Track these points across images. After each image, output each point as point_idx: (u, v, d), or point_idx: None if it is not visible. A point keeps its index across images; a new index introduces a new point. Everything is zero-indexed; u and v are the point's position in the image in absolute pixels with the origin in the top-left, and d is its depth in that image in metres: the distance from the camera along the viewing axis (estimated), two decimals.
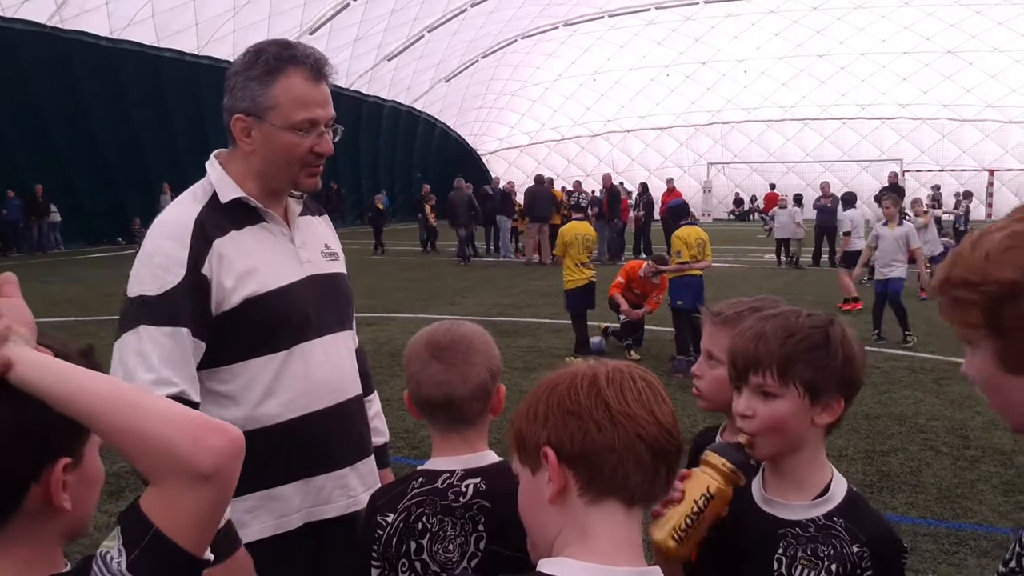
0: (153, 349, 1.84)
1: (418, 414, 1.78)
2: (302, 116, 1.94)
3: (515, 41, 41.23)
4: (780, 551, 1.52)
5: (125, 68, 23.65)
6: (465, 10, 34.76)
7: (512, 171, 43.54)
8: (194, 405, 1.86)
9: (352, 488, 2.12)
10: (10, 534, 1.01)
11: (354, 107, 34.89)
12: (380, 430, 2.38)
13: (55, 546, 1.08)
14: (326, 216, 2.30)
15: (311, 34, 30.17)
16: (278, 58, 1.94)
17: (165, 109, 25.24)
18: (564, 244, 9.71)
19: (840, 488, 1.55)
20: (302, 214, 2.15)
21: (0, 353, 0.98)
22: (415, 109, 39.81)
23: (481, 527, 1.68)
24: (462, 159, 41.68)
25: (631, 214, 23.94)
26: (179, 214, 1.96)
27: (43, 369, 0.99)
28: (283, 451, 1.99)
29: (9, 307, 1.05)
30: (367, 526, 1.75)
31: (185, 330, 1.87)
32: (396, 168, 39.58)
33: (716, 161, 42.90)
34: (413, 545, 1.68)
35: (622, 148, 45.66)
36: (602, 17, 39.94)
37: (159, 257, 1.89)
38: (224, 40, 26.60)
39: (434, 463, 1.75)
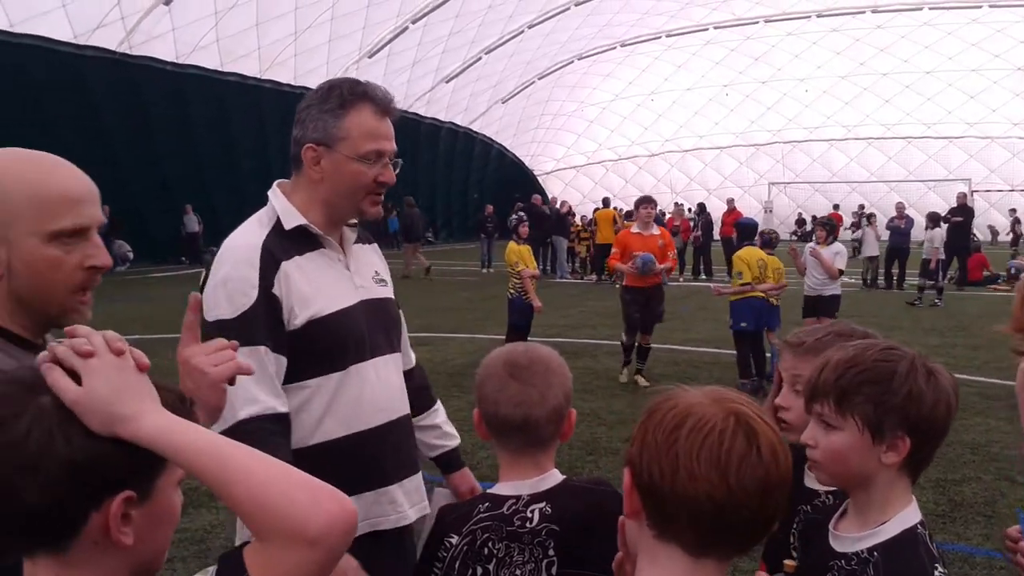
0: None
1: (487, 435, 1.77)
2: (370, 147, 2.07)
3: (572, 62, 41.33)
4: None
5: (190, 92, 24.25)
6: (522, 31, 34.98)
7: (568, 191, 43.58)
8: (282, 416, 2.00)
9: (400, 504, 2.21)
10: (74, 560, 1.01)
11: (412, 129, 35.29)
12: (451, 434, 2.54)
13: None
14: (375, 244, 2.42)
15: (370, 57, 30.67)
16: (352, 93, 2.08)
17: (228, 132, 25.77)
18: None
19: (898, 525, 1.46)
20: (355, 243, 2.27)
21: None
22: (472, 130, 40.10)
23: (552, 552, 1.67)
24: (518, 180, 41.80)
25: (691, 235, 23.73)
26: (247, 239, 2.07)
27: (159, 428, 1.03)
28: (338, 467, 2.00)
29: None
30: (433, 539, 1.75)
31: (263, 348, 1.98)
32: (453, 189, 39.85)
33: (777, 181, 42.32)
34: (479, 570, 1.68)
35: (681, 168, 45.36)
36: (660, 37, 39.84)
37: (232, 282, 2.00)
38: (286, 64, 27.16)
39: (500, 488, 1.74)
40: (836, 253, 9.46)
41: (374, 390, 2.16)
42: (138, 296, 17.05)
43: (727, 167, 44.39)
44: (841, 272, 9.38)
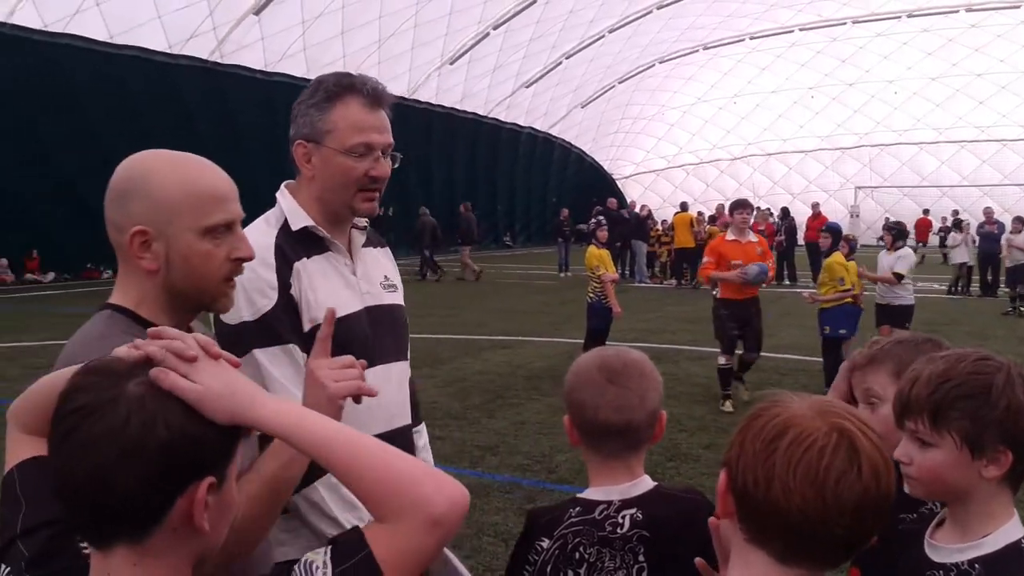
0: (270, 370, 1.92)
1: (578, 441, 1.76)
2: (357, 140, 2.00)
3: (653, 65, 40.98)
4: None
5: (278, 100, 24.89)
6: (603, 36, 34.85)
7: (648, 195, 43.14)
8: None
9: None
10: (152, 548, 1.03)
11: (492, 135, 35.53)
12: (428, 461, 2.40)
13: (188, 569, 1.09)
14: (387, 248, 2.37)
15: (451, 64, 30.99)
16: (337, 85, 2.02)
17: None
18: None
19: (1002, 539, 1.41)
20: (365, 246, 2.21)
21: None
22: (551, 135, 40.14)
23: (642, 558, 1.67)
24: (597, 184, 41.64)
25: (774, 239, 23.26)
26: (259, 239, 1.97)
27: (281, 413, 1.12)
28: None
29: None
30: (524, 542, 1.74)
31: (292, 346, 1.96)
32: (532, 194, 39.93)
33: (864, 185, 41.15)
34: (570, 574, 1.67)
35: (764, 172, 44.51)
36: (743, 40, 39.19)
37: (249, 283, 1.93)
38: (370, 71, 27.21)
39: (592, 493, 1.74)
40: (899, 257, 9.05)
41: (379, 397, 2.06)
42: None
43: (812, 171, 43.36)
44: (900, 277, 8.87)
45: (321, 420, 1.16)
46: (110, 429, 0.98)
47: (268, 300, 1.95)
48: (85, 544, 1.13)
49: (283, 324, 1.96)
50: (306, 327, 1.98)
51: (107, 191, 1.49)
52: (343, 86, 2.02)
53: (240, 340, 1.92)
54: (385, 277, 2.25)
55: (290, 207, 2.08)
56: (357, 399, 1.52)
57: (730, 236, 8.55)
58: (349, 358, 1.54)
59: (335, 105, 2.01)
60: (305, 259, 2.03)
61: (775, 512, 1.07)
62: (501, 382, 9.10)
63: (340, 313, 2.01)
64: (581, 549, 1.67)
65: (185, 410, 1.04)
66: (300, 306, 1.99)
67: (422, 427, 2.42)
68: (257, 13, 23.03)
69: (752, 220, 8.19)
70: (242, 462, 1.40)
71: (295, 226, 2.05)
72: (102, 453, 0.97)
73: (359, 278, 2.14)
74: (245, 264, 1.96)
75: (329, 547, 1.09)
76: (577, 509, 1.71)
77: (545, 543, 1.69)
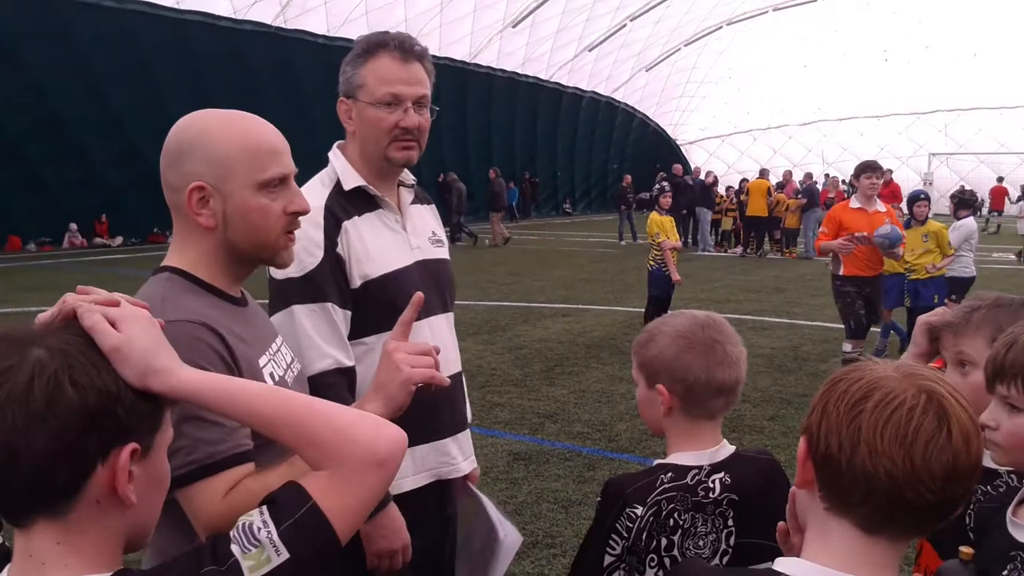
0: (304, 324, 2.06)
1: (673, 406, 1.73)
2: (385, 91, 2.12)
3: (720, 28, 40.02)
4: (1005, 574, 1.39)
5: (339, 64, 24.96)
6: None
7: (712, 161, 42.38)
8: (348, 370, 2.10)
9: (453, 456, 2.33)
10: (75, 522, 0.97)
11: (553, 99, 35.14)
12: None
13: (118, 547, 1.02)
14: (433, 206, 2.50)
15: (513, 27, 30.67)
16: (368, 43, 2.17)
17: None
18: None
19: None
20: (412, 203, 2.34)
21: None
22: (614, 99, 39.57)
23: (731, 522, 1.69)
24: (660, 149, 41.05)
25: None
26: (310, 199, 2.08)
27: (201, 378, 1.09)
28: (397, 419, 2.08)
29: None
30: (611, 513, 1.69)
31: (330, 304, 2.08)
32: (593, 159, 39.53)
33: (939, 152, 39.77)
34: (664, 541, 1.67)
35: (833, 137, 43.31)
36: (815, 0, 37.99)
37: (298, 242, 2.00)
38: (431, 35, 27.48)
39: (679, 457, 1.73)
40: (954, 228, 8.69)
41: None
42: None
43: (884, 137, 42.02)
44: (951, 250, 8.40)
45: (243, 381, 1.15)
46: (11, 396, 0.92)
47: (314, 259, 2.07)
48: None
49: (326, 282, 2.08)
50: (355, 283, 2.13)
51: (162, 154, 1.50)
52: (374, 43, 2.16)
53: (283, 295, 2.07)
54: (433, 233, 2.37)
55: (342, 167, 2.21)
56: (428, 388, 1.57)
57: (854, 204, 7.37)
58: (426, 345, 1.60)
59: (367, 61, 2.15)
60: (356, 217, 2.16)
61: (860, 477, 1.03)
62: (561, 350, 9.03)
63: (390, 268, 2.17)
64: (675, 515, 1.66)
65: (98, 368, 0.98)
66: (348, 264, 2.12)
67: None
68: None
69: (880, 185, 7.29)
70: (269, 457, 1.38)
71: (347, 186, 2.18)
72: (7, 421, 0.91)
73: (408, 233, 2.26)
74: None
75: (264, 506, 1.03)
76: (669, 475, 1.69)
77: (639, 510, 1.66)
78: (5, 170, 18.99)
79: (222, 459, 1.36)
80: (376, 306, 2.14)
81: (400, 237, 2.24)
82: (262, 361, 1.54)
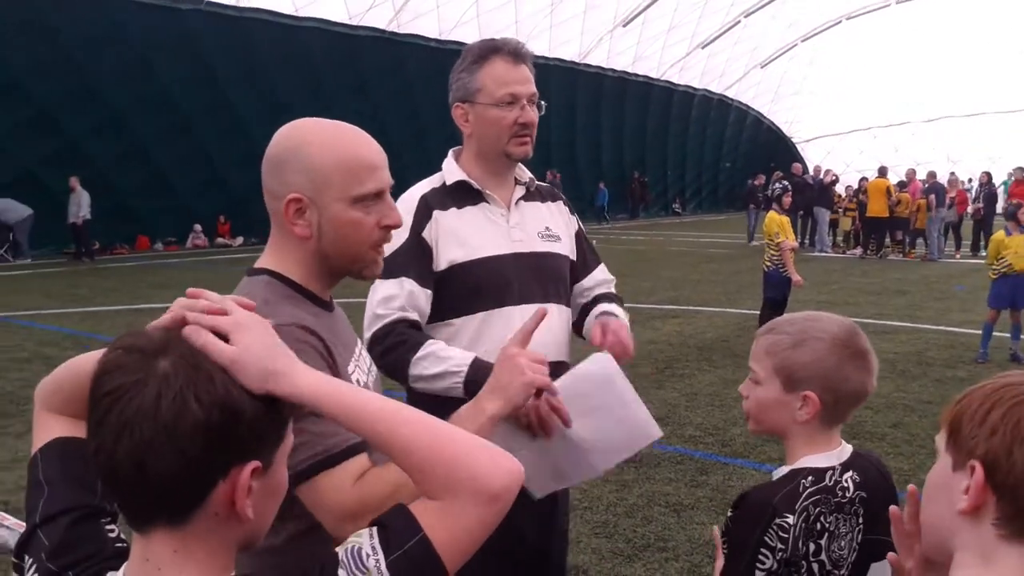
0: (381, 293, 2.22)
1: (818, 411, 1.68)
2: (503, 91, 2.27)
3: (839, 23, 38.67)
4: None
5: (450, 67, 25.31)
6: None
7: (830, 160, 40.90)
8: (414, 324, 2.22)
9: None
10: (192, 531, 0.97)
11: (664, 98, 34.71)
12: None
13: (231, 554, 1.02)
14: (559, 203, 2.56)
15: (624, 26, 30.42)
16: (482, 49, 2.32)
17: None
18: None
19: None
20: (530, 200, 2.45)
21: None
22: (727, 97, 38.74)
23: (861, 520, 1.69)
24: (776, 148, 39.96)
25: (969, 207, 21.56)
26: (411, 193, 2.37)
27: (319, 383, 1.07)
28: None
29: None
30: (759, 527, 1.62)
31: (404, 278, 2.23)
32: (704, 158, 38.81)
33: None
34: (812, 547, 1.64)
35: (960, 135, 41.22)
36: None
37: None
38: (541, 36, 27.56)
39: (814, 460, 1.70)
40: None
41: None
42: None
43: (1016, 134, 39.72)
44: None
45: (364, 392, 1.11)
46: (141, 410, 0.93)
47: (399, 240, 2.21)
48: (112, 528, 1.11)
49: (405, 261, 2.23)
50: (441, 266, 2.28)
51: (264, 160, 1.53)
52: (487, 48, 2.31)
53: None
54: (547, 228, 2.45)
55: (449, 167, 2.39)
56: (539, 394, 1.66)
57: None
58: (540, 355, 1.63)
59: (482, 66, 2.29)
60: (455, 208, 2.32)
61: None
62: (671, 352, 8.88)
63: (480, 254, 2.30)
64: (822, 519, 1.65)
65: (222, 382, 0.97)
66: (435, 248, 2.28)
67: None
68: None
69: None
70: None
71: (449, 181, 2.36)
72: (136, 435, 0.92)
73: (511, 226, 2.37)
74: None
75: (375, 528, 1.00)
76: (809, 479, 1.66)
77: (790, 519, 1.61)
78: (136, 173, 20.06)
79: (341, 450, 1.37)
80: (461, 288, 2.28)
81: (501, 229, 2.35)
82: (350, 368, 1.56)
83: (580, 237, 2.59)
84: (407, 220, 2.18)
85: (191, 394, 0.94)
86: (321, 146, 1.49)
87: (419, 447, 1.04)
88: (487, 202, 2.35)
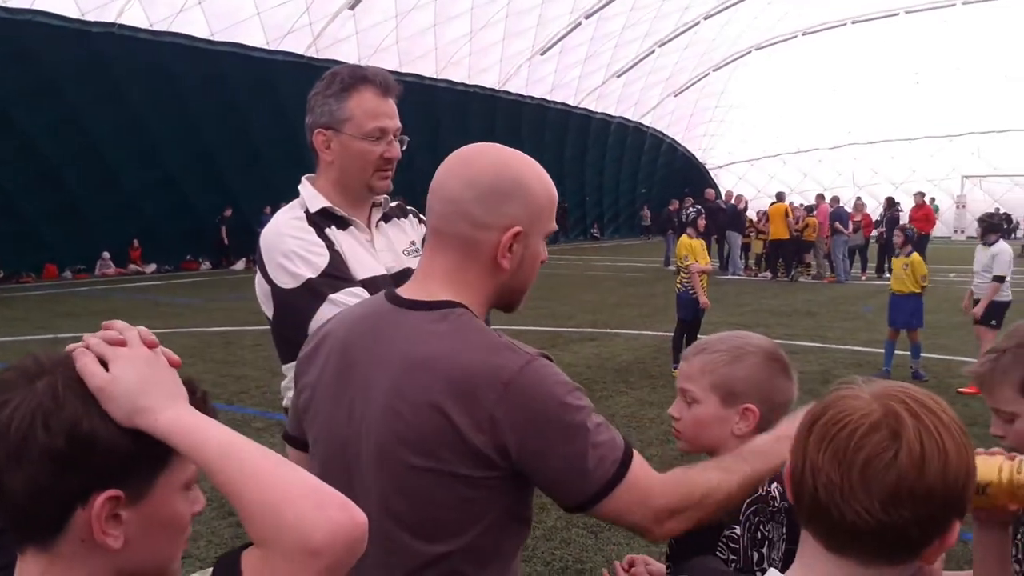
0: (345, 301, 2.02)
1: (760, 423, 1.77)
2: (373, 125, 2.23)
3: (749, 52, 40.03)
4: None
5: None
6: (698, 23, 34.22)
7: (742, 185, 42.18)
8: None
9: None
10: (60, 556, 0.97)
11: (582, 125, 35.27)
12: None
13: None
14: (410, 216, 2.53)
15: (542, 54, 30.89)
16: (352, 77, 2.24)
17: (405, 132, 26.59)
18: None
19: None
20: (389, 220, 2.43)
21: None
22: (642, 124, 39.61)
23: (784, 530, 1.73)
24: (690, 174, 40.94)
25: (873, 231, 22.46)
26: (288, 215, 2.28)
27: (176, 422, 1.00)
28: None
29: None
30: (706, 543, 1.72)
31: (359, 288, 2.12)
32: (621, 184, 39.53)
33: (972, 174, 39.29)
34: (756, 555, 1.70)
35: (864, 161, 42.97)
36: (845, 24, 37.90)
37: (298, 249, 2.16)
38: (461, 63, 27.82)
39: None
40: (993, 256, 8.51)
41: None
42: None
43: (916, 160, 41.62)
44: (1001, 280, 8.36)
45: (219, 433, 1.01)
46: None
47: (323, 257, 2.15)
48: None
49: (343, 272, 2.16)
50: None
51: (469, 185, 1.48)
52: (357, 77, 2.24)
53: (312, 294, 2.11)
54: (411, 243, 2.44)
55: (309, 194, 2.30)
56: None
57: None
58: None
59: (351, 95, 2.22)
60: (333, 228, 2.26)
61: (807, 494, 1.04)
62: (589, 375, 9.01)
63: (367, 274, 2.22)
64: (762, 527, 1.71)
65: (77, 410, 0.96)
66: (348, 262, 2.20)
67: None
68: (352, 8, 23.40)
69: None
70: None
71: (313, 208, 2.26)
72: None
73: (378, 250, 2.34)
74: (290, 235, 2.19)
75: (211, 570, 1.00)
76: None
77: (737, 530, 1.71)
78: (45, 198, 19.41)
79: (627, 446, 1.47)
80: None
81: (371, 253, 2.32)
82: None
83: None
84: (312, 236, 2.18)
85: (40, 420, 0.94)
86: (539, 184, 1.51)
87: (250, 490, 0.96)
88: (352, 226, 2.31)
